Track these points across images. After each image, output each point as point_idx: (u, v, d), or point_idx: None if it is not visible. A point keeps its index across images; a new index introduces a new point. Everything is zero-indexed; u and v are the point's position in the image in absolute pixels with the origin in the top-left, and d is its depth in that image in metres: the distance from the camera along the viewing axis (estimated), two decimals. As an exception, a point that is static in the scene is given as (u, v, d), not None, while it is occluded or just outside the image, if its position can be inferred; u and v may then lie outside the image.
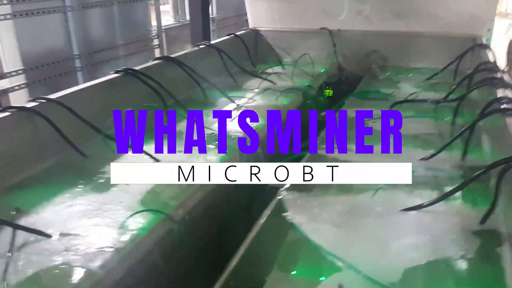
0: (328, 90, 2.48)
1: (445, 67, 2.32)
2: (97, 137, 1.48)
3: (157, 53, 5.53)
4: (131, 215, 1.06)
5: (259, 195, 1.51)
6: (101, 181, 1.27)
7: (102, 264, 0.92)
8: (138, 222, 1.07)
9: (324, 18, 2.76)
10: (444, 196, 1.09)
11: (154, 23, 5.35)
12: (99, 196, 1.19)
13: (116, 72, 1.68)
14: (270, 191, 1.53)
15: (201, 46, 2.26)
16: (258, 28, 2.89)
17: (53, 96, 1.41)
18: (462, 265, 0.94)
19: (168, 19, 5.95)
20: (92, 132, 1.47)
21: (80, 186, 1.24)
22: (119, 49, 4.69)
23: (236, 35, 2.61)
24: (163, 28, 5.48)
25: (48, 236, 1.01)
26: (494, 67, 1.75)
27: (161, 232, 1.07)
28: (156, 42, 5.37)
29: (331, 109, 2.06)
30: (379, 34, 2.71)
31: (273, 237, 1.07)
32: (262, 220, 1.11)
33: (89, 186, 1.25)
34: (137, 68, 1.77)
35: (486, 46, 2.20)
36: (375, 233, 1.04)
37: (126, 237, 1.01)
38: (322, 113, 2.14)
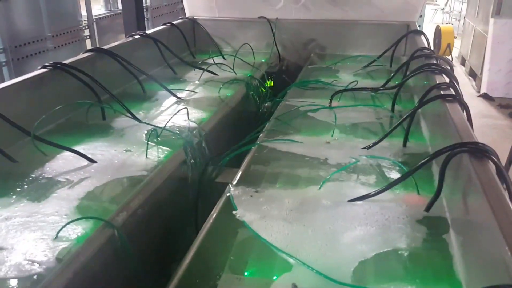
0: (269, 81, 2.46)
1: (382, 54, 2.37)
2: (26, 140, 1.37)
3: (88, 45, 5.27)
4: (66, 224, 0.98)
5: (206, 192, 1.47)
6: (33, 187, 1.17)
7: (36, 280, 0.84)
8: (75, 231, 0.99)
9: (262, 6, 2.73)
10: (391, 185, 1.10)
11: (84, 12, 5.08)
12: (33, 204, 1.09)
13: (44, 67, 1.55)
14: (217, 187, 1.49)
15: (136, 36, 2.16)
16: (195, 17, 2.81)
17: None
18: (412, 254, 0.95)
19: (99, 9, 5.68)
20: (20, 134, 1.35)
21: (10, 195, 1.13)
22: (47, 41, 4.42)
23: (173, 24, 2.51)
24: (94, 18, 5.23)
25: (-27, 253, 0.91)
26: (430, 53, 1.79)
27: (100, 240, 1.00)
28: (87, 32, 5.12)
29: (274, 99, 2.05)
30: (317, 22, 2.72)
31: (223, 236, 1.03)
32: (211, 219, 1.06)
33: (21, 193, 1.14)
34: (66, 61, 1.65)
35: (421, 32, 2.26)
36: (326, 227, 1.02)
37: (62, 249, 0.93)
38: (266, 104, 2.12)
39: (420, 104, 1.37)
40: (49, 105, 1.51)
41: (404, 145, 1.42)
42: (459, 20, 8.89)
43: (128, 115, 1.59)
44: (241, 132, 1.90)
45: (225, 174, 1.50)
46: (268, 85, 2.30)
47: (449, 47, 6.75)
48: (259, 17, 2.72)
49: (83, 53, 1.80)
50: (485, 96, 5.07)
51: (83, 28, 5.05)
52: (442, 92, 1.35)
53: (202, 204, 1.49)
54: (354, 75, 2.23)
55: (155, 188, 1.24)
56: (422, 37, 2.22)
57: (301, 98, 1.91)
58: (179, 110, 1.59)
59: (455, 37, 7.25)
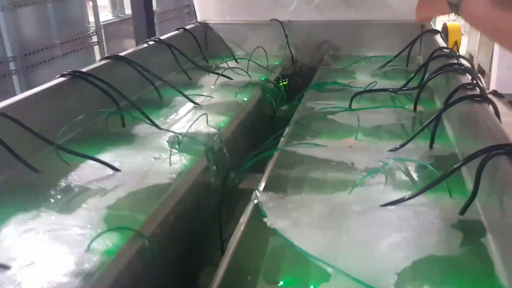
0: (282, 83, 2.44)
1: (398, 54, 2.34)
2: (48, 149, 1.36)
3: (96, 51, 5.28)
4: (97, 236, 0.97)
5: (229, 198, 1.46)
6: (58, 198, 1.16)
7: (70, 296, 0.83)
8: (106, 242, 0.97)
9: (274, 9, 2.71)
10: (426, 189, 1.08)
11: (91, 19, 5.09)
12: (60, 216, 1.08)
13: (62, 75, 1.54)
14: (240, 193, 1.48)
15: (150, 43, 2.15)
16: (207, 21, 2.79)
17: (-6, 106, 1.27)
18: (452, 259, 0.93)
19: (106, 15, 5.69)
20: (42, 144, 1.34)
21: (36, 206, 1.12)
22: (56, 49, 4.43)
23: (186, 29, 2.50)
24: (101, 24, 5.24)
25: (6, 267, 0.89)
26: (450, 52, 1.77)
27: (131, 251, 0.98)
28: (94, 39, 5.13)
29: (291, 102, 2.03)
30: (330, 23, 2.70)
31: (254, 245, 1.01)
32: (241, 228, 1.04)
33: (46, 205, 1.13)
34: (84, 69, 1.64)
35: (437, 31, 2.24)
36: (360, 234, 1.00)
37: (94, 262, 0.91)
38: (283, 107, 2.10)
39: (447, 105, 1.34)
40: (69, 114, 1.50)
41: (431, 146, 1.40)
42: (465, 18, 8.82)
43: (148, 122, 1.58)
44: (259, 137, 1.88)
45: (248, 180, 1.49)
46: (283, 88, 2.28)
47: (456, 44, 6.70)
48: (271, 20, 2.70)
49: (99, 60, 1.79)
50: (495, 93, 5.02)
51: (91, 34, 5.06)
52: (469, 93, 1.33)
53: (225, 211, 1.48)
54: (371, 75, 2.21)
55: (180, 196, 1.22)
56: (439, 36, 2.19)
57: (318, 100, 1.89)
58: (199, 116, 1.57)
59: (462, 34, 7.20)
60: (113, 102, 1.64)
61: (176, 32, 2.46)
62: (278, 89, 2.19)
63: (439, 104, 1.75)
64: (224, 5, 2.77)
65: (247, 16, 2.77)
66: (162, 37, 2.25)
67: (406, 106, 1.75)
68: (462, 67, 1.54)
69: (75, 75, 1.54)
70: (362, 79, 2.15)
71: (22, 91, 3.91)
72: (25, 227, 1.03)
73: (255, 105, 1.95)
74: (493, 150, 0.96)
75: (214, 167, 1.44)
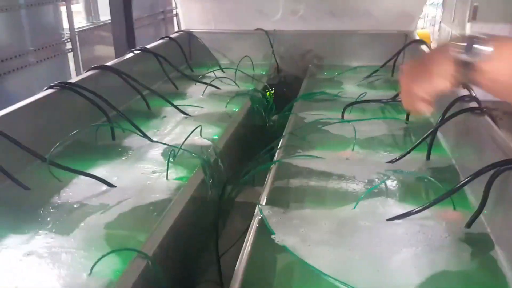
0: (268, 93, 2.43)
1: (384, 64, 2.36)
2: (36, 164, 1.30)
3: (70, 58, 5.14)
4: (100, 258, 0.92)
5: (226, 212, 1.42)
6: (53, 217, 1.10)
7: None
8: (108, 264, 0.93)
9: (259, 18, 2.70)
10: (433, 203, 1.07)
11: (66, 25, 4.96)
12: (56, 237, 1.02)
13: (51, 87, 1.48)
14: (238, 206, 1.45)
15: (136, 52, 2.10)
16: (191, 30, 2.76)
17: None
18: (464, 274, 0.92)
19: (80, 21, 5.56)
20: (30, 159, 1.28)
21: (28, 226, 1.06)
22: (29, 56, 4.29)
23: (171, 38, 2.46)
24: (76, 30, 5.11)
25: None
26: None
27: (135, 273, 0.94)
28: (69, 46, 5.00)
29: (280, 113, 2.01)
30: (314, 33, 2.70)
31: (263, 263, 0.98)
32: (249, 246, 1.01)
33: (40, 225, 1.07)
34: (72, 80, 1.58)
35: (423, 42, 2.26)
36: (372, 250, 0.99)
37: (100, 286, 0.87)
38: (272, 117, 2.08)
39: (447, 117, 1.35)
40: (58, 127, 1.44)
41: (428, 158, 1.40)
42: (433, 25, 9.06)
43: (140, 134, 1.53)
44: (251, 148, 1.86)
45: (245, 193, 1.46)
46: (271, 98, 2.27)
47: (428, 53, 6.85)
48: (256, 29, 2.69)
49: (86, 71, 1.74)
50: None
51: (65, 41, 4.93)
52: (467, 105, 1.34)
53: (222, 225, 1.45)
54: (358, 85, 2.22)
55: (179, 212, 1.18)
56: (425, 46, 2.22)
57: (308, 110, 1.88)
58: (194, 128, 1.53)
59: (431, 42, 7.37)
60: (101, 113, 1.59)
61: (161, 41, 2.41)
62: (266, 99, 2.17)
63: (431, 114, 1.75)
64: (210, 13, 2.74)
65: (232, 25, 2.75)
66: (148, 46, 2.20)
67: (399, 117, 1.75)
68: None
69: (64, 87, 1.48)
70: (350, 89, 2.15)
71: (-5, 99, 3.77)
72: (21, 250, 0.98)
73: (245, 115, 1.93)
74: (503, 165, 0.96)
75: (210, 180, 1.41)
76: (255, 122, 2.04)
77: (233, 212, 1.49)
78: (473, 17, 5.36)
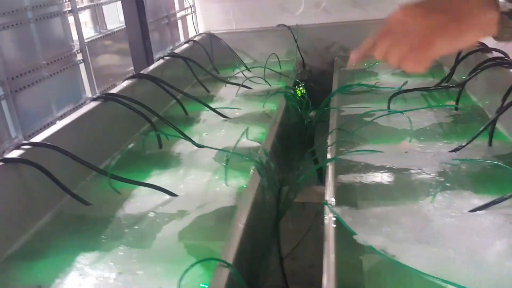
0: (298, 89, 2.38)
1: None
2: (89, 178, 1.26)
3: (82, 68, 5.12)
4: (187, 270, 0.88)
5: (286, 214, 1.39)
6: (124, 232, 1.06)
7: None
8: (192, 276, 0.89)
9: (281, 14, 2.65)
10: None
11: (75, 36, 4.94)
12: (130, 251, 0.99)
13: (94, 99, 1.45)
14: (297, 207, 1.41)
15: (166, 58, 2.06)
16: (212, 31, 2.71)
17: (37, 139, 1.16)
18: None
19: (88, 31, 5.53)
20: (83, 173, 1.25)
21: (108, 244, 1.02)
22: (42, 70, 4.27)
23: (195, 41, 2.42)
24: (85, 41, 5.08)
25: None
26: (484, 47, 1.73)
27: (221, 283, 0.90)
28: (79, 57, 4.97)
29: (318, 108, 1.96)
30: (338, 25, 2.65)
31: (351, 266, 0.94)
32: (331, 249, 0.97)
33: (117, 242, 1.03)
34: (113, 91, 1.54)
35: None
36: (464, 244, 0.94)
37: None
38: (310, 113, 2.03)
39: (507, 104, 1.30)
40: (106, 138, 1.41)
41: (490, 144, 1.36)
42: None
43: (188, 140, 1.49)
44: (293, 146, 1.82)
45: (303, 193, 1.42)
46: (305, 93, 2.22)
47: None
48: (278, 25, 2.64)
49: (125, 80, 1.70)
50: None
51: (76, 52, 4.90)
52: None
53: (282, 227, 1.40)
54: (392, 74, 2.17)
55: (246, 217, 1.14)
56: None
57: (347, 104, 1.83)
58: (244, 130, 1.49)
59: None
60: (144, 121, 1.55)
61: (187, 44, 2.37)
62: (301, 95, 2.13)
63: (478, 100, 1.70)
64: (230, 13, 2.69)
65: (253, 23, 2.71)
66: (176, 51, 2.16)
67: (446, 104, 1.70)
68: (510, 61, 1.50)
69: (108, 98, 1.45)
70: (387, 79, 2.10)
71: (12, 117, 3.75)
72: (112, 269, 0.94)
73: (283, 114, 1.88)
74: None
75: (266, 183, 1.37)
76: (294, 120, 1.99)
77: (295, 214, 1.45)
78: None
